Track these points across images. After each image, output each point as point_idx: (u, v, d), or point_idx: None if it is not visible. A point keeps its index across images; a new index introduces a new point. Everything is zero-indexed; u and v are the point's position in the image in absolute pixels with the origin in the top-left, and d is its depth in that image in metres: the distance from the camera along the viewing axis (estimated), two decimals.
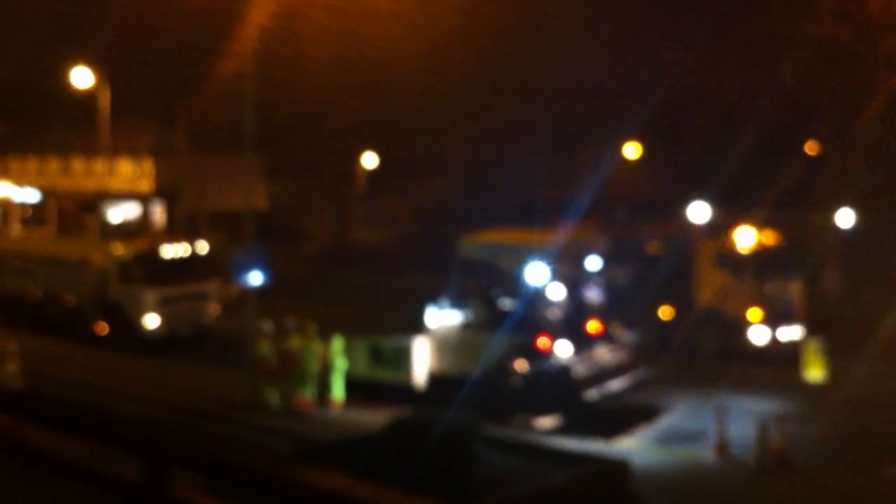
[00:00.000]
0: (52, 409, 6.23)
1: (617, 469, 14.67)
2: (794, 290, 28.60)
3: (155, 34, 42.08)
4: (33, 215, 49.14)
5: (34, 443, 6.08)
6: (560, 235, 23.43)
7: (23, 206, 51.82)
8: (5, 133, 59.36)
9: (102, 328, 30.05)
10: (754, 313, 27.79)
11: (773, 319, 27.78)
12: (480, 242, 25.03)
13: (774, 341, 27.67)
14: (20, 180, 53.94)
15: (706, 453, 19.70)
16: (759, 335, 27.69)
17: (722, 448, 19.50)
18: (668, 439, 20.95)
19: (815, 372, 24.59)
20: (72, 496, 6.32)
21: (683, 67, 40.05)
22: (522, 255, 22.53)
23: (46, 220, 41.43)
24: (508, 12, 38.43)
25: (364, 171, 56.32)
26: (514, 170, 45.06)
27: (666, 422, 22.24)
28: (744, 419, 20.28)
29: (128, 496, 5.23)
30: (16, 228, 41.84)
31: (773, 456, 18.84)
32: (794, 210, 35.33)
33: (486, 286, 23.50)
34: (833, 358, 24.66)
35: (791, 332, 27.73)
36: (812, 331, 27.04)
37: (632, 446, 20.26)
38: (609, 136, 44.20)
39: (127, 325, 29.48)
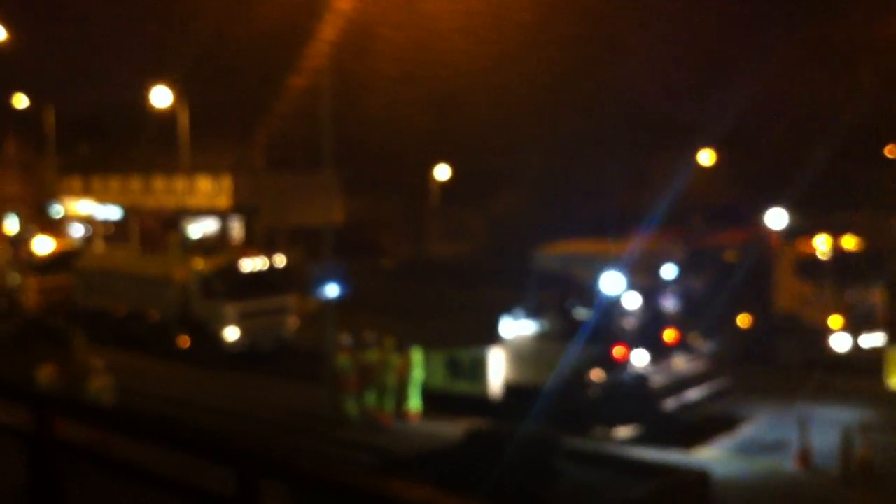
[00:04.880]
0: (144, 422, 6.45)
1: (697, 480, 14.60)
2: (876, 296, 28.06)
3: (231, 53, 42.84)
4: (116, 233, 50.43)
5: (126, 456, 6.29)
6: (635, 245, 23.34)
7: (106, 223, 53.22)
8: (88, 153, 60.93)
9: (185, 343, 30.65)
10: (835, 320, 27.34)
11: (855, 326, 27.29)
12: (555, 253, 25.07)
13: (856, 349, 27.18)
14: (103, 198, 55.39)
15: (788, 463, 19.44)
16: (840, 343, 27.23)
17: (805, 458, 19.24)
18: (749, 449, 20.71)
19: None
20: None
21: (761, 73, 39.64)
22: (597, 265, 22.50)
23: (129, 238, 42.43)
24: (579, 25, 38.41)
25: (438, 184, 56.64)
26: (588, 181, 44.93)
27: (746, 431, 21.99)
28: (826, 428, 19.99)
29: None
30: (99, 246, 42.94)
31: (857, 466, 18.54)
32: (875, 214, 34.69)
33: (561, 297, 23.50)
34: None
35: (873, 340, 27.21)
36: (895, 338, 26.50)
37: (712, 456, 20.08)
38: (684, 144, 43.89)
39: (209, 339, 30.03)
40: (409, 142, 48.95)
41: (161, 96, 41.64)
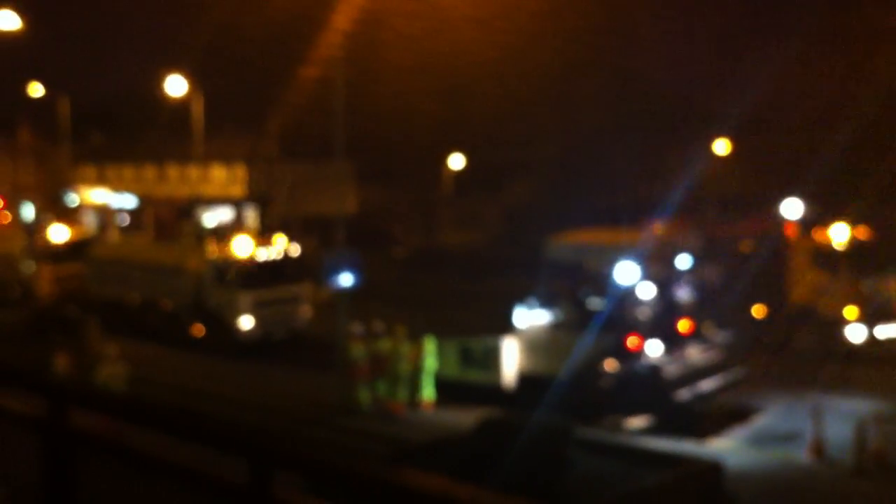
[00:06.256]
0: (157, 412, 6.45)
1: (710, 470, 14.55)
2: (892, 286, 27.94)
3: (245, 43, 42.84)
4: (130, 222, 50.53)
5: (139, 445, 6.28)
6: (650, 234, 23.26)
7: (120, 212, 53.29)
8: (103, 142, 61.11)
9: (198, 332, 30.70)
10: (851, 311, 27.23)
11: (871, 317, 27.18)
12: (569, 243, 25.00)
13: (872, 340, 27.08)
14: (117, 187, 55.55)
15: (802, 454, 19.39)
16: (855, 333, 27.13)
17: (818, 449, 19.18)
18: (762, 440, 20.66)
19: None
20: (177, 497, 6.52)
21: (778, 62, 39.42)
22: (611, 254, 22.44)
23: (143, 227, 42.52)
24: (592, 13, 38.27)
25: (450, 174, 56.63)
26: (601, 170, 44.82)
27: (760, 422, 21.94)
28: (840, 420, 19.92)
29: (232, 497, 5.40)
30: (114, 235, 43.01)
31: (871, 457, 18.48)
32: (891, 205, 34.48)
33: (575, 286, 23.45)
34: None
35: (889, 331, 27.09)
36: None
37: (725, 447, 20.04)
38: (699, 134, 43.72)
39: (222, 328, 30.07)
40: (421, 131, 48.92)
41: (175, 85, 41.66)
